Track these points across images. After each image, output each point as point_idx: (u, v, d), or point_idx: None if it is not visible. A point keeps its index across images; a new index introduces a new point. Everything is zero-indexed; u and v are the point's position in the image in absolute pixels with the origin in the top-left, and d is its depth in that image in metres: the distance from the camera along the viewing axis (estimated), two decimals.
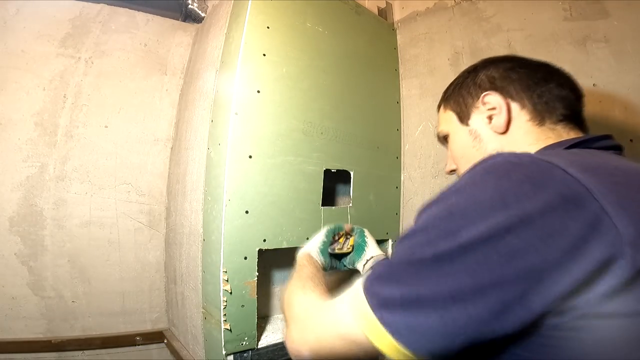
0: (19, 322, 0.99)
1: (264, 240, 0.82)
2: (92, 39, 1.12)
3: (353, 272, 0.75)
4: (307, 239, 0.90)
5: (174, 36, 1.25)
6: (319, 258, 0.70)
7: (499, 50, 0.99)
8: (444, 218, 0.32)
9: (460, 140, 0.53)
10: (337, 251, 0.73)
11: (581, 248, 0.27)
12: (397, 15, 1.31)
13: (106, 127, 1.12)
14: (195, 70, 1.14)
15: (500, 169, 0.32)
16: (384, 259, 0.73)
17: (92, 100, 1.10)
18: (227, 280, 0.76)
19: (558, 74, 0.48)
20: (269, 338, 0.85)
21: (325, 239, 0.74)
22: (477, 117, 0.50)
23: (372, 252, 0.75)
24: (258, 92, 0.83)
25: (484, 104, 0.48)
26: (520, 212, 0.28)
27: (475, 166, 0.34)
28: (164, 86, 1.22)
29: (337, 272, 0.78)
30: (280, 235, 0.84)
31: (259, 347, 0.81)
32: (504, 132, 0.47)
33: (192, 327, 0.96)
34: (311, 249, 0.71)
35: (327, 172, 0.94)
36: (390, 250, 1.13)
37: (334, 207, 0.98)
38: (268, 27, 0.86)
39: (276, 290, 0.99)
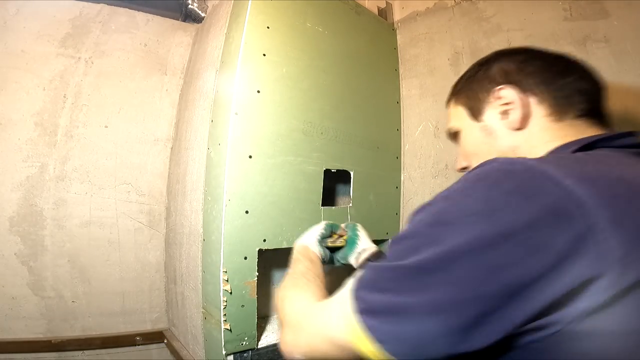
0: (19, 322, 0.99)
1: (264, 240, 0.82)
2: (92, 39, 1.12)
3: (351, 270, 0.75)
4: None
5: (174, 36, 1.25)
6: (317, 249, 0.68)
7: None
8: (430, 225, 0.32)
9: (472, 137, 0.50)
10: (329, 244, 0.73)
11: (563, 264, 0.26)
12: (397, 15, 1.31)
13: (106, 127, 1.12)
14: (195, 70, 1.14)
15: (491, 177, 0.31)
16: (376, 253, 0.72)
17: (92, 100, 1.10)
18: (227, 280, 0.76)
19: (578, 66, 0.45)
20: (269, 338, 0.85)
21: (324, 231, 0.73)
22: (491, 112, 0.47)
23: (363, 244, 0.74)
24: (258, 92, 0.83)
25: (498, 98, 0.46)
26: (505, 225, 0.27)
27: (469, 172, 0.34)
28: (164, 86, 1.22)
29: (333, 269, 0.77)
30: (280, 235, 0.84)
31: (259, 347, 0.81)
32: (520, 128, 0.44)
33: (192, 327, 0.96)
34: (309, 241, 0.70)
35: (327, 172, 0.94)
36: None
37: (334, 207, 0.98)
38: (268, 27, 0.86)
39: (276, 290, 0.99)
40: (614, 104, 0.77)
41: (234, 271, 0.77)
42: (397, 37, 1.26)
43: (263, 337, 0.86)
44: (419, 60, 1.21)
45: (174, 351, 1.05)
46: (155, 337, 1.14)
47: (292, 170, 0.87)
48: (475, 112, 0.49)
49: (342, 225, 0.79)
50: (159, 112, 1.20)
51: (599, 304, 0.26)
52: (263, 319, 0.94)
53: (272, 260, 0.95)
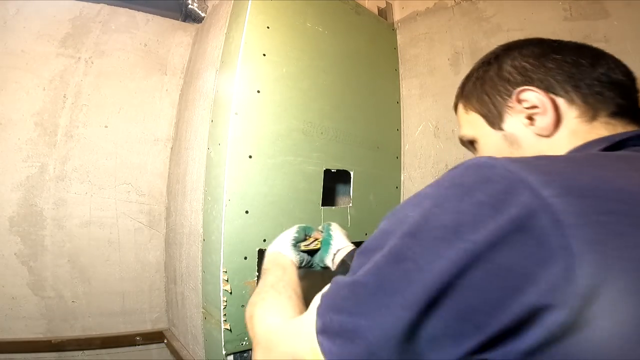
0: (19, 322, 0.99)
1: (264, 240, 0.82)
2: (92, 39, 1.12)
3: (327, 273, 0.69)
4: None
5: (174, 36, 1.25)
6: (291, 254, 0.63)
7: None
8: (393, 235, 0.29)
9: (492, 147, 0.44)
10: (303, 248, 0.67)
11: (518, 290, 0.23)
12: (397, 15, 1.31)
13: (106, 127, 1.12)
14: (195, 70, 1.14)
15: (466, 183, 0.28)
16: (351, 252, 0.66)
17: (92, 100, 1.10)
18: (227, 280, 0.76)
19: (605, 56, 0.39)
20: None
21: (297, 235, 0.67)
22: (514, 119, 0.41)
23: (338, 244, 0.68)
24: (258, 92, 0.83)
25: (519, 102, 0.40)
26: (470, 247, 0.24)
27: (447, 172, 0.31)
28: (164, 86, 1.22)
29: (311, 272, 0.72)
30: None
31: None
32: (549, 135, 0.38)
33: (192, 327, 0.96)
34: (281, 247, 0.64)
35: (327, 172, 0.94)
36: None
37: (334, 207, 0.98)
38: (268, 27, 0.86)
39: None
40: None
41: (234, 271, 0.77)
42: (397, 37, 1.26)
43: None
44: (419, 60, 1.21)
45: (174, 351, 1.05)
46: (155, 337, 1.14)
47: (292, 170, 0.87)
48: (493, 120, 0.43)
49: (319, 227, 0.74)
50: (159, 112, 1.20)
51: (545, 340, 0.23)
52: None
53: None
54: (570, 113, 0.38)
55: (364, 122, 1.06)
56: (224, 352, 0.76)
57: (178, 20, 1.28)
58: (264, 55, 0.85)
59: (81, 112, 1.09)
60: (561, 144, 0.37)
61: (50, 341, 1.00)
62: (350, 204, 1.01)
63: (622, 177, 0.27)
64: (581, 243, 0.22)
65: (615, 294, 0.22)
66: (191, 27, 1.28)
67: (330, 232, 0.70)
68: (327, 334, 0.29)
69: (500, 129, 0.42)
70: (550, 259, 0.22)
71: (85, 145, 1.09)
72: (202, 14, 1.27)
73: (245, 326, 0.79)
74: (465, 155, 1.05)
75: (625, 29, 0.78)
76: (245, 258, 0.79)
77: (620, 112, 0.37)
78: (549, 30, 0.89)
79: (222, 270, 0.76)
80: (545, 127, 0.38)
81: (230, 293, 0.76)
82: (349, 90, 1.03)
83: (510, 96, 0.41)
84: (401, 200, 1.18)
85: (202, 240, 0.88)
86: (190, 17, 1.28)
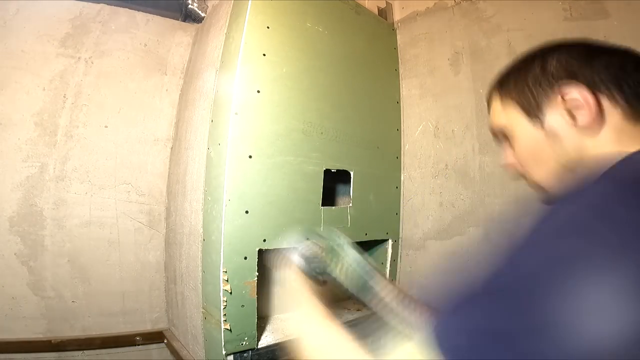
0: (19, 322, 0.99)
1: (264, 240, 0.82)
2: (92, 39, 1.12)
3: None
4: (307, 239, 0.89)
5: (174, 36, 1.25)
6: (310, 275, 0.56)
7: (499, 50, 0.99)
8: (521, 293, 0.25)
9: (529, 139, 0.44)
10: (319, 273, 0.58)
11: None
12: (397, 15, 1.31)
13: (106, 127, 1.12)
14: (195, 70, 1.14)
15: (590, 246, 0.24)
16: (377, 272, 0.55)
17: (92, 100, 1.10)
18: (227, 280, 0.76)
19: None
20: (268, 338, 0.85)
21: (309, 255, 0.59)
22: (555, 113, 0.41)
23: (352, 259, 0.56)
24: (258, 92, 0.83)
25: (563, 97, 0.40)
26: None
27: (566, 215, 0.28)
28: (164, 86, 1.22)
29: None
30: (280, 235, 0.84)
31: (259, 347, 0.81)
32: (592, 132, 0.39)
33: (192, 327, 0.96)
34: (302, 268, 0.57)
35: (327, 172, 0.94)
36: (390, 251, 1.13)
37: (334, 207, 0.98)
38: (268, 27, 0.86)
39: (276, 290, 0.99)
40: None
41: (234, 271, 0.77)
42: (397, 37, 1.26)
43: (263, 337, 0.86)
44: (419, 60, 1.21)
45: (174, 351, 1.05)
46: (155, 337, 1.14)
47: (291, 170, 0.87)
48: (533, 112, 0.43)
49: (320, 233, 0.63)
50: (159, 112, 1.20)
51: None
52: (263, 319, 0.94)
53: (272, 261, 0.95)
54: (613, 112, 0.38)
55: (364, 122, 1.06)
56: (224, 352, 0.76)
57: (178, 20, 1.28)
58: (264, 55, 0.85)
59: (81, 112, 1.09)
60: (605, 142, 0.38)
61: (50, 341, 1.00)
62: (350, 204, 1.01)
63: None
64: None
65: None
66: (191, 27, 1.28)
67: (343, 247, 0.58)
68: None
69: (538, 120, 0.42)
70: None
71: (85, 145, 1.09)
72: (202, 14, 1.27)
73: (245, 326, 0.79)
74: (465, 154, 1.05)
75: (625, 29, 0.78)
76: (245, 258, 0.79)
77: None
78: (549, 30, 0.89)
79: (222, 270, 0.76)
80: (586, 124, 0.38)
81: (230, 293, 0.76)
82: (349, 90, 1.03)
83: (552, 89, 0.41)
84: (401, 200, 1.18)
85: (202, 240, 0.88)
86: (190, 17, 1.28)
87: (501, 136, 0.49)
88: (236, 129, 0.79)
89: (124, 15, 1.18)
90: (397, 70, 1.23)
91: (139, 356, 1.12)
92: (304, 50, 0.93)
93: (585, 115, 0.38)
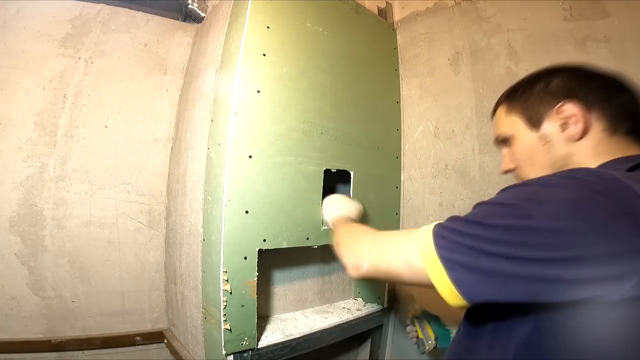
0: (19, 322, 0.99)
1: (264, 240, 0.82)
2: (92, 39, 1.12)
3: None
4: (307, 239, 0.90)
5: (174, 36, 1.25)
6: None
7: (499, 50, 0.99)
8: (522, 198, 0.37)
9: (527, 144, 0.54)
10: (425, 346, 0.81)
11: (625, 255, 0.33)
12: (397, 15, 1.31)
13: (106, 127, 1.12)
14: (195, 70, 1.14)
15: (584, 179, 0.37)
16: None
17: (92, 100, 1.10)
18: (227, 280, 0.76)
19: (630, 86, 0.50)
20: (269, 338, 0.85)
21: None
22: (550, 124, 0.51)
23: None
24: (258, 92, 0.83)
25: (560, 112, 0.49)
26: (589, 220, 0.33)
27: (563, 171, 0.41)
28: (164, 86, 1.22)
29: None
30: (280, 235, 0.84)
31: (259, 347, 0.81)
32: (577, 140, 0.48)
33: (192, 327, 0.96)
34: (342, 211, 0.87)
35: (327, 172, 0.94)
36: None
37: None
38: (268, 27, 0.86)
39: (276, 290, 0.99)
40: None
41: (234, 271, 0.77)
42: (397, 37, 1.26)
43: (263, 337, 0.86)
44: (419, 60, 1.21)
45: (174, 351, 1.05)
46: (155, 337, 1.14)
47: (292, 170, 0.87)
48: (533, 122, 0.53)
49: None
50: (159, 112, 1.20)
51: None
52: (263, 319, 0.94)
53: (272, 260, 0.95)
54: (597, 126, 0.48)
55: (364, 122, 1.06)
56: (224, 352, 0.76)
57: (178, 20, 1.28)
58: (264, 55, 0.85)
59: (81, 112, 1.09)
60: (588, 149, 0.48)
61: (50, 341, 1.00)
62: None
63: None
64: None
65: None
66: (191, 27, 1.28)
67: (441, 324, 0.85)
68: (455, 263, 0.40)
69: (538, 130, 0.52)
70: None
71: (85, 145, 1.08)
72: (202, 14, 1.27)
73: (245, 326, 0.79)
74: (465, 154, 1.05)
75: (625, 29, 0.78)
76: (245, 258, 0.79)
77: (631, 133, 0.48)
78: (549, 30, 0.89)
79: (222, 270, 0.76)
80: (574, 134, 0.48)
81: (230, 293, 0.76)
82: (349, 90, 1.03)
83: (552, 103, 0.50)
84: (401, 200, 1.18)
85: (202, 240, 0.88)
86: (190, 17, 1.28)
87: (501, 144, 0.59)
88: (236, 129, 0.79)
89: (124, 15, 1.18)
90: (397, 70, 1.23)
91: (139, 356, 1.12)
92: (304, 50, 0.93)
93: (574, 127, 0.48)
